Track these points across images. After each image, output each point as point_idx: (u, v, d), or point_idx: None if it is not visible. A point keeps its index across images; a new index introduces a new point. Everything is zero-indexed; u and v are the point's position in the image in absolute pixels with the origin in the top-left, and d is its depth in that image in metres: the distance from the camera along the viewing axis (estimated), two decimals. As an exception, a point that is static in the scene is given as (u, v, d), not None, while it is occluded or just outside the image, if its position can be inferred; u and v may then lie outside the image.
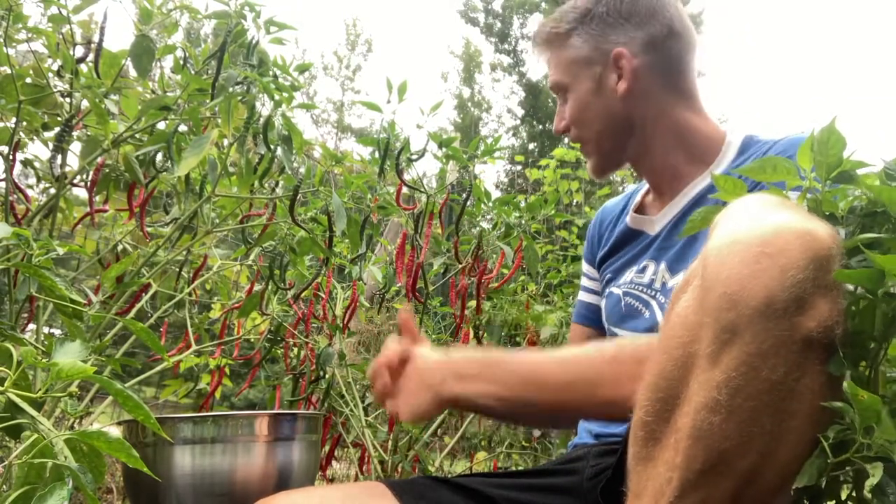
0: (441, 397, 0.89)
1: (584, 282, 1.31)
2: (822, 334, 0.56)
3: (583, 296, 1.30)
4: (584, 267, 1.31)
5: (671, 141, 1.09)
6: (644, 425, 0.64)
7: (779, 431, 0.56)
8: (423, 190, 1.79)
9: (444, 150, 1.73)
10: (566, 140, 1.27)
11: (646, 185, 1.21)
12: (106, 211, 1.76)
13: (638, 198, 1.21)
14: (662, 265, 1.05)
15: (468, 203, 1.82)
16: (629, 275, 1.11)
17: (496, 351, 0.91)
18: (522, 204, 1.94)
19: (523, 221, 1.89)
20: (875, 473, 0.51)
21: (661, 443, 0.62)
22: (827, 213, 0.60)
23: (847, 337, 0.57)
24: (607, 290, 1.17)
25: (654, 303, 1.04)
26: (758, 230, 0.58)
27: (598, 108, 1.10)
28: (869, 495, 0.51)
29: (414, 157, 1.71)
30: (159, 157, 1.51)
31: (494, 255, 1.98)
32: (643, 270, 1.09)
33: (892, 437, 0.51)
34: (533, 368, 0.86)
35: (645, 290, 1.07)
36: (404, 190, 1.77)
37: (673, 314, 0.64)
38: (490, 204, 1.93)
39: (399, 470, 1.88)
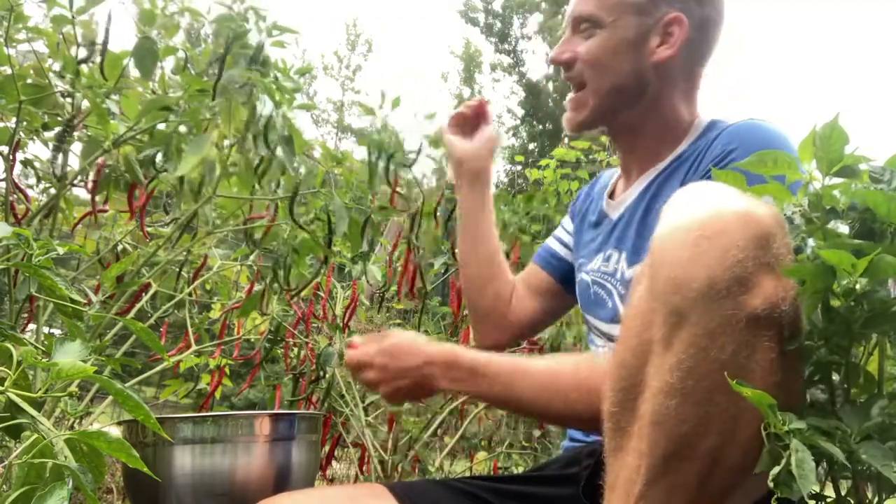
0: (430, 391, 0.96)
1: (558, 231, 1.28)
2: (768, 311, 0.56)
3: (551, 241, 1.28)
4: (565, 220, 1.28)
5: (661, 125, 1.05)
6: (611, 416, 0.66)
7: (735, 410, 0.57)
8: (419, 187, 1.79)
9: (442, 149, 1.73)
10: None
11: None
12: (106, 211, 1.76)
13: (613, 178, 1.18)
14: (623, 255, 1.04)
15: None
16: (597, 262, 1.10)
17: (481, 356, 0.94)
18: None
19: (519, 219, 1.89)
20: (787, 460, 0.52)
21: (628, 432, 0.63)
22: (828, 208, 0.61)
23: (824, 331, 0.58)
24: (579, 276, 1.16)
25: (615, 293, 1.04)
26: (697, 214, 0.60)
27: (626, 62, 1.01)
28: (771, 484, 0.51)
29: (411, 156, 1.71)
30: (159, 157, 1.51)
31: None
32: (608, 259, 1.08)
33: (779, 430, 0.52)
34: (515, 383, 0.90)
35: (609, 278, 1.06)
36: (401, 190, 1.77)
37: (630, 305, 0.66)
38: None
39: (399, 470, 1.88)
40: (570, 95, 1.08)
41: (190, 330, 1.78)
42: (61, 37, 1.42)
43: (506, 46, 20.45)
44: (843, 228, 0.60)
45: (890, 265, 0.51)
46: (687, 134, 1.04)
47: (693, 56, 1.04)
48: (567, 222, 1.27)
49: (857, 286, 0.53)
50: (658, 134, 1.05)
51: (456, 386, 0.93)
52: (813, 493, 0.60)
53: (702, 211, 0.60)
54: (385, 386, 0.97)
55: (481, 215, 1.23)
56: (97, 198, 1.58)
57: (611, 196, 1.15)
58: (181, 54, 1.46)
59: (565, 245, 1.25)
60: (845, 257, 0.52)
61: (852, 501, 0.58)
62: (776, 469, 0.51)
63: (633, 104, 1.04)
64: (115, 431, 0.72)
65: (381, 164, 1.64)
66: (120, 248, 1.75)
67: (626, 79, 1.02)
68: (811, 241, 0.62)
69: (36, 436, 0.67)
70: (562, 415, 0.88)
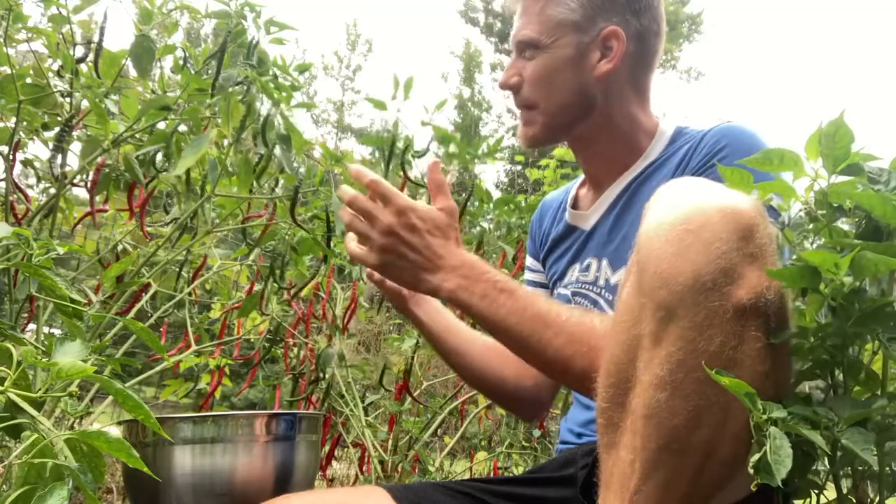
0: (437, 291, 0.88)
1: (527, 275, 1.27)
2: (754, 301, 0.57)
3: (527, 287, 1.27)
4: (528, 260, 1.28)
5: (618, 134, 1.07)
6: (602, 412, 0.66)
7: (725, 401, 0.58)
8: (425, 185, 1.78)
9: (450, 146, 1.73)
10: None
11: (581, 178, 1.19)
12: (106, 211, 1.76)
13: (573, 191, 1.18)
14: (604, 262, 1.05)
15: (468, 203, 1.82)
16: (574, 273, 1.10)
17: (511, 279, 0.89)
18: (523, 203, 1.94)
19: (524, 221, 1.89)
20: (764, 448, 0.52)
21: (620, 427, 0.64)
22: (835, 206, 0.61)
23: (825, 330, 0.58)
24: (556, 291, 1.15)
25: (601, 301, 1.04)
26: (680, 210, 0.61)
27: (569, 79, 1.04)
28: (751, 471, 0.51)
29: (418, 154, 1.72)
30: (159, 156, 1.51)
31: (495, 255, 1.98)
32: (587, 268, 1.08)
33: (758, 419, 0.53)
34: (547, 324, 0.83)
35: (591, 287, 1.06)
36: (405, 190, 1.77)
37: (618, 301, 0.67)
38: (491, 205, 1.93)
39: (399, 470, 1.88)
40: (521, 113, 1.09)
41: (190, 330, 1.78)
42: (61, 36, 1.42)
43: (506, 46, 20.44)
44: (847, 227, 0.60)
45: (871, 262, 0.52)
46: (652, 139, 1.06)
47: (636, 66, 1.06)
48: (531, 262, 1.26)
49: (846, 285, 0.54)
50: (617, 142, 1.07)
51: (464, 295, 0.85)
52: (814, 491, 0.60)
53: (685, 205, 0.61)
54: (394, 240, 0.88)
55: (449, 335, 1.13)
56: (97, 197, 1.58)
57: (574, 207, 1.15)
58: (180, 53, 1.46)
59: (537, 284, 1.23)
60: (828, 257, 0.53)
61: (853, 500, 0.58)
62: (755, 456, 0.51)
63: (584, 118, 1.06)
64: (115, 431, 0.72)
65: (394, 160, 1.64)
66: (120, 248, 1.75)
67: (571, 95, 1.04)
68: (792, 249, 0.62)
69: (36, 436, 0.67)
70: (581, 374, 0.79)
